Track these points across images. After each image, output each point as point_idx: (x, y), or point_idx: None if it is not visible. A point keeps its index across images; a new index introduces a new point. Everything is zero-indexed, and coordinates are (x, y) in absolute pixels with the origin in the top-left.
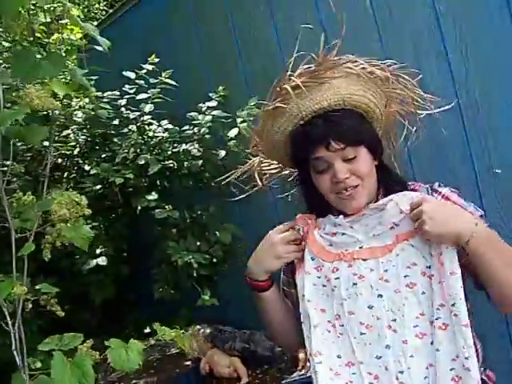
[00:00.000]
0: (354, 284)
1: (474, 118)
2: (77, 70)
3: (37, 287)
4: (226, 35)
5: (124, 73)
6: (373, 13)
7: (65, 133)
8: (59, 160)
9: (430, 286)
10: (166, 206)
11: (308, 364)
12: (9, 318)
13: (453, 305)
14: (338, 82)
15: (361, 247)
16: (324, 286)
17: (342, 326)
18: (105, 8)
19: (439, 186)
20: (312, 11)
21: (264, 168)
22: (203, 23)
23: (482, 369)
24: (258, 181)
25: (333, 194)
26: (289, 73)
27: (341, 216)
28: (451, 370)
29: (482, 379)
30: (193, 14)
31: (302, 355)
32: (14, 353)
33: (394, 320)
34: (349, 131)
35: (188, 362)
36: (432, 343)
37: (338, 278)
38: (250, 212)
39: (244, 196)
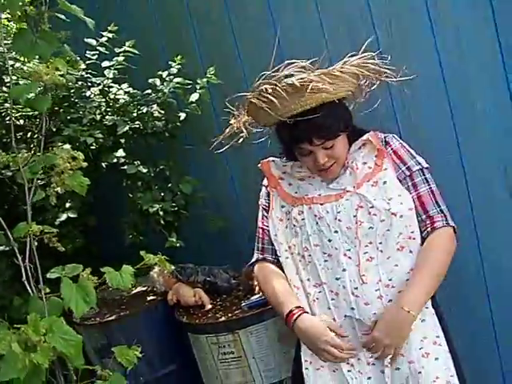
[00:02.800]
0: (317, 223)
1: None
2: (66, 46)
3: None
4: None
5: (85, 39)
6: None
7: None
8: (21, 121)
9: (378, 221)
10: (135, 162)
11: None
12: (18, 255)
13: (412, 232)
14: (318, 92)
15: (319, 194)
16: (294, 225)
17: (310, 256)
18: None
19: (393, 137)
20: None
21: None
22: None
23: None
24: (245, 131)
25: (313, 169)
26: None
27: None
28: (407, 279)
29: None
30: None
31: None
32: (26, 283)
33: (349, 250)
34: (328, 130)
35: (153, 297)
36: (377, 265)
37: (303, 219)
38: (204, 166)
39: (228, 147)
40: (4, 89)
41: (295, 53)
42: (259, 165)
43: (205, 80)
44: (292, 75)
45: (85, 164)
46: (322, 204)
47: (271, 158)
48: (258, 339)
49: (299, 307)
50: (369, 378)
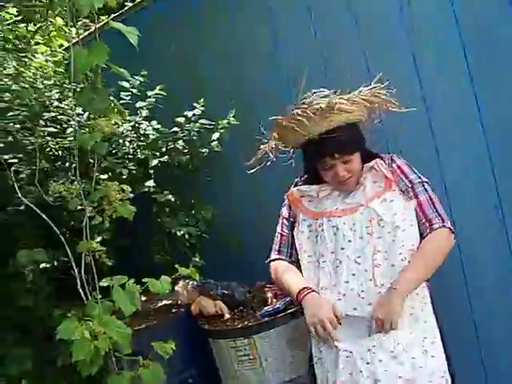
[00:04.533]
0: (334, 234)
1: None
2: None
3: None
4: (203, 54)
5: (119, 82)
6: None
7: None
8: (59, 152)
9: (386, 233)
10: (164, 192)
11: (275, 300)
12: (75, 266)
13: (412, 245)
14: (339, 115)
15: (336, 208)
16: (316, 236)
17: (324, 261)
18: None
19: (397, 157)
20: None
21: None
22: (181, 44)
23: None
24: (272, 155)
25: (333, 182)
26: (306, 100)
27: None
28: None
29: None
30: (172, 34)
31: (269, 294)
32: (80, 290)
33: (359, 257)
34: (347, 146)
35: (177, 309)
36: (383, 271)
37: (323, 230)
38: (224, 195)
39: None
40: (42, 122)
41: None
42: (285, 195)
43: (225, 121)
44: (318, 101)
45: (131, 195)
46: (339, 216)
47: (295, 188)
48: (271, 343)
49: (309, 287)
50: (367, 363)
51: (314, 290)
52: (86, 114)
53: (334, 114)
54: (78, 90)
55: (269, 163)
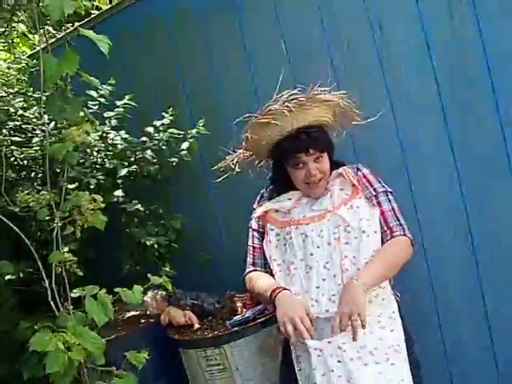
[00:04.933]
0: (303, 241)
1: None
2: (85, 110)
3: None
4: (172, 64)
5: (87, 91)
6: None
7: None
8: (24, 162)
9: (353, 238)
10: (133, 201)
11: (244, 310)
12: (45, 277)
13: (374, 250)
14: (315, 109)
15: (303, 216)
16: (284, 244)
17: (295, 268)
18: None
19: (363, 166)
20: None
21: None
22: (152, 52)
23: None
24: (237, 167)
25: (303, 184)
26: (283, 97)
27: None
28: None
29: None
30: (143, 41)
31: (239, 304)
32: (51, 301)
33: (327, 262)
34: (321, 143)
35: (146, 319)
36: (351, 275)
37: (291, 238)
38: (192, 205)
39: (219, 180)
40: (5, 131)
41: None
42: (254, 206)
43: (194, 131)
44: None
45: (103, 205)
46: (307, 224)
47: (263, 205)
48: (241, 353)
49: (282, 287)
50: (338, 361)
51: (286, 289)
52: (53, 123)
53: (313, 107)
54: (44, 98)
55: (239, 173)
